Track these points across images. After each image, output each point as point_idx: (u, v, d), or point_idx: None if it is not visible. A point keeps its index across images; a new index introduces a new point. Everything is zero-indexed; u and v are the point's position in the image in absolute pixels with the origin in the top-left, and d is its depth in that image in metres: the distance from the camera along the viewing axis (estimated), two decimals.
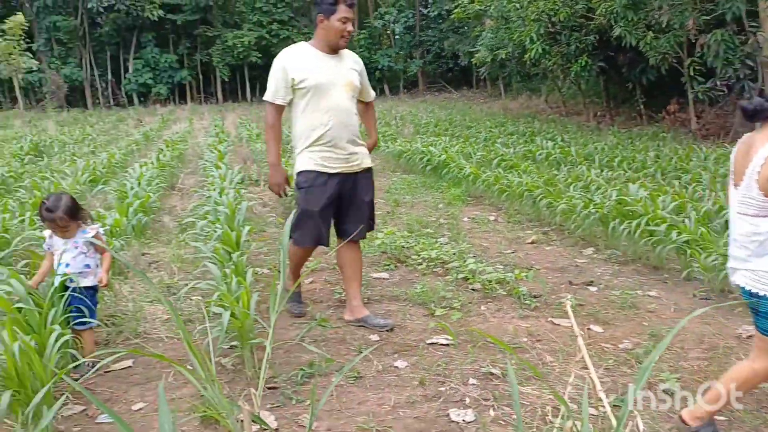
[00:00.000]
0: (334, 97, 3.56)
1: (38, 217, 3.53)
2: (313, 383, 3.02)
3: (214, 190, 6.65)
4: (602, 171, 8.16)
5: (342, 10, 3.48)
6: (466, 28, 27.18)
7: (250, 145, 13.64)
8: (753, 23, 10.73)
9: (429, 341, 3.50)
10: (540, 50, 14.40)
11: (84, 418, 2.82)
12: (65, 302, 3.09)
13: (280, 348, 3.45)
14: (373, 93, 4.00)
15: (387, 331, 3.63)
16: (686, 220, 4.72)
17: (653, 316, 3.83)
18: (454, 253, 5.11)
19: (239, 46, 35.20)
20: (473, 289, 4.36)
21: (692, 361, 3.18)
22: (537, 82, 23.12)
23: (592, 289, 4.39)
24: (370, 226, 3.86)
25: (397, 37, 36.30)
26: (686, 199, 5.56)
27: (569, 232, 5.92)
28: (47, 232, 3.29)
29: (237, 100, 37.89)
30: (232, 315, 3.08)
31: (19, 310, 2.97)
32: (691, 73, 12.08)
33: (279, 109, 3.60)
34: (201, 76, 38.54)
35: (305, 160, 3.59)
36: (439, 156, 9.65)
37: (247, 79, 38.39)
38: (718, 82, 11.62)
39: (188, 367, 2.07)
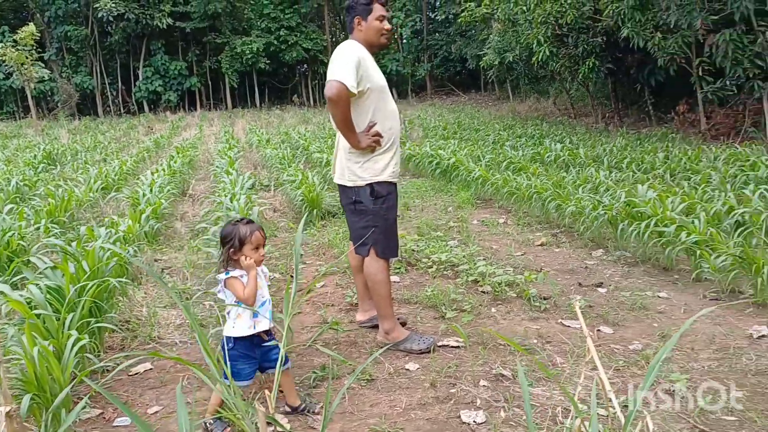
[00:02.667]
0: (392, 102, 3.53)
1: (226, 244, 2.70)
2: (327, 386, 3.06)
3: (225, 195, 6.71)
4: (611, 173, 8.17)
5: (378, 9, 3.45)
6: (473, 31, 27.21)
7: (260, 151, 13.73)
8: (762, 22, 10.69)
9: (440, 343, 3.52)
10: (547, 53, 14.43)
11: (101, 421, 2.87)
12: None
13: (292, 351, 3.49)
14: None
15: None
16: (696, 221, 4.73)
17: (663, 317, 3.84)
18: (464, 256, 5.14)
19: (248, 52, 35.42)
20: (483, 292, 4.39)
21: (703, 362, 3.19)
22: (545, 84, 23.12)
23: (602, 290, 4.40)
24: None
25: (404, 41, 36.41)
26: (696, 199, 5.56)
27: (578, 234, 5.93)
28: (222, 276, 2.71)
29: (246, 106, 38.13)
30: None
31: (38, 315, 3.03)
32: (700, 74, 12.05)
33: (348, 94, 3.21)
34: (210, 83, 38.81)
35: (381, 168, 3.43)
36: (448, 159, 9.68)
37: (255, 85, 38.61)
38: (728, 82, 11.59)
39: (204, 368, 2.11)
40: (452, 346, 3.49)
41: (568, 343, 3.48)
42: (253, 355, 2.70)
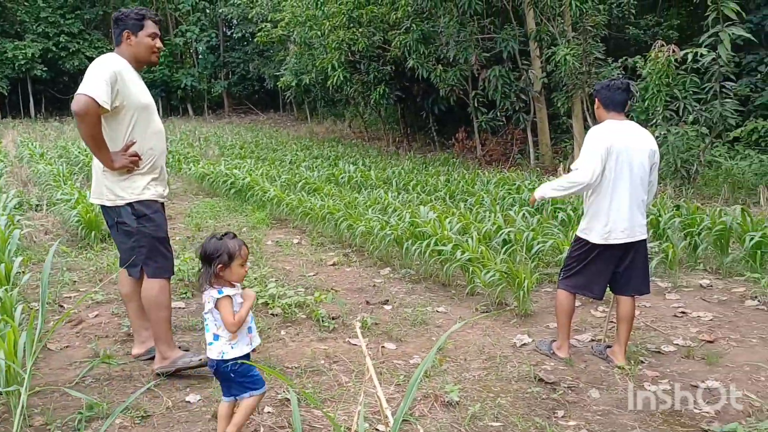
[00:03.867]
0: (157, 121, 3.37)
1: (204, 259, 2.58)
2: (95, 428, 2.77)
3: None
4: (399, 194, 8.62)
5: (150, 26, 3.33)
6: (271, 51, 27.24)
7: (32, 166, 12.28)
8: (525, 61, 12.13)
9: None
10: (342, 77, 14.89)
11: None
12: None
13: (56, 391, 3.11)
14: None
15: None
16: (469, 240, 5.15)
17: (441, 331, 4.09)
18: (255, 278, 5.04)
19: (21, 57, 31.68)
20: (273, 314, 4.33)
21: (474, 372, 3.45)
22: (341, 107, 23.86)
23: (387, 307, 4.58)
24: None
25: (200, 56, 35.25)
26: (470, 220, 6.07)
27: (368, 253, 6.14)
28: (214, 291, 2.54)
29: (19, 116, 33.99)
30: None
31: None
32: (476, 105, 13.30)
33: (98, 110, 3.02)
34: None
35: (141, 188, 3.25)
36: (243, 179, 9.50)
37: (30, 93, 34.63)
38: (498, 113, 12.93)
39: None
40: None
41: (354, 362, 3.55)
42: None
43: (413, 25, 12.94)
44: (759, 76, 12.00)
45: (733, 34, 7.34)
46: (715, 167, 9.38)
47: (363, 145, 18.00)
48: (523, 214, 6.21)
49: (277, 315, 4.31)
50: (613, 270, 3.52)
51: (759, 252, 4.92)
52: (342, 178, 10.29)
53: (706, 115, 8.20)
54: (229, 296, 2.53)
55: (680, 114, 8.44)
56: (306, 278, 5.31)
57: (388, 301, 4.71)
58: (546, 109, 12.61)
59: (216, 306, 2.53)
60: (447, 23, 12.11)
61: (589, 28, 10.20)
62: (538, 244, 5.13)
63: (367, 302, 4.69)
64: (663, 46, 8.18)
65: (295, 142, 18.65)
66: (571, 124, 13.40)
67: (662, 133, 8.40)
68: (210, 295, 2.54)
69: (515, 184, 8.47)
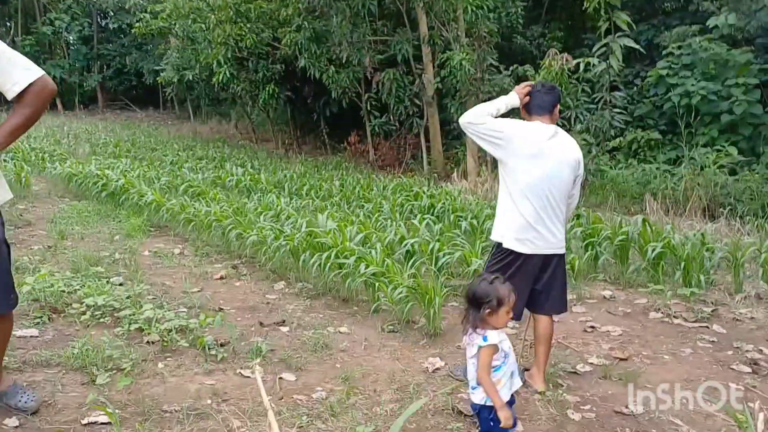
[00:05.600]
0: None
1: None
2: None
3: None
4: (291, 199, 8.11)
5: None
6: (150, 45, 25.62)
7: None
8: (419, 66, 12.01)
9: (86, 420, 2.77)
10: (228, 75, 14.10)
11: None
12: None
13: None
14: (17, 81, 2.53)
15: (30, 414, 2.78)
16: (373, 252, 4.76)
17: (346, 356, 3.67)
18: (128, 297, 4.35)
19: None
20: (149, 342, 3.70)
21: (386, 405, 3.05)
22: (227, 106, 22.80)
23: (284, 329, 4.09)
24: None
25: (72, 48, 32.60)
26: (371, 229, 5.69)
27: (260, 265, 5.61)
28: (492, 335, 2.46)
29: None
30: None
31: None
32: (368, 108, 13.02)
33: None
34: None
35: None
36: (117, 180, 8.58)
37: None
38: (392, 117, 12.73)
39: None
40: (102, 423, 2.76)
41: (248, 400, 3.04)
42: None
43: (305, 23, 12.46)
44: (635, 88, 12.64)
45: (624, 45, 7.51)
46: (600, 176, 9.66)
47: (251, 146, 17.23)
48: (427, 222, 5.93)
49: (153, 343, 3.68)
50: (532, 287, 3.25)
51: (662, 263, 4.93)
52: (229, 181, 9.61)
53: (596, 124, 8.38)
54: (494, 345, 2.43)
55: (572, 123, 8.58)
56: (189, 295, 4.67)
57: (284, 321, 4.22)
58: (438, 114, 12.56)
59: (478, 352, 2.44)
60: (339, 23, 11.72)
61: (484, 34, 10.19)
62: (444, 255, 4.83)
63: (261, 324, 4.17)
64: (557, 54, 8.26)
65: (177, 141, 17.51)
66: (462, 131, 13.46)
67: None
68: (473, 341, 2.46)
69: (413, 189, 8.22)
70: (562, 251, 3.25)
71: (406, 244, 5.15)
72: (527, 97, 3.26)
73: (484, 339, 2.42)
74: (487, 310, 2.45)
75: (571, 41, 15.48)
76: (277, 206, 7.04)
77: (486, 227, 5.93)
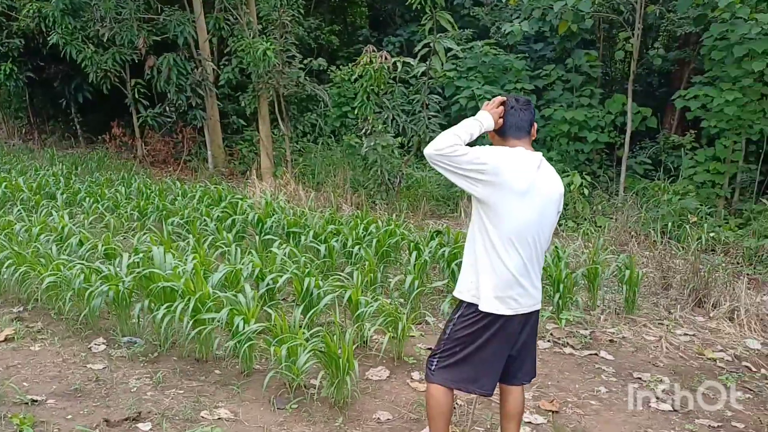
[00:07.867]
0: None
1: None
2: None
3: None
4: (71, 212, 6.41)
5: None
6: None
7: None
8: (200, 52, 10.60)
9: None
10: None
11: None
12: None
13: None
14: None
15: None
16: (241, 296, 3.72)
17: None
18: None
19: None
20: None
21: None
22: None
23: (144, 428, 2.91)
24: None
25: None
26: (220, 262, 4.57)
27: (58, 314, 4.15)
28: None
29: None
30: None
31: None
32: (136, 96, 11.18)
33: None
34: None
35: None
36: None
37: None
38: (168, 108, 11.09)
39: None
40: None
41: None
42: None
43: None
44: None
45: (446, 46, 7.29)
46: (408, 178, 9.48)
47: None
48: (277, 245, 4.96)
49: None
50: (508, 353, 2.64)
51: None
52: None
53: (413, 126, 8.11)
54: None
55: (389, 125, 8.20)
56: None
57: (140, 414, 3.01)
58: (217, 106, 11.25)
59: None
60: None
61: (287, 22, 9.29)
62: (325, 294, 3.98)
63: (107, 422, 2.92)
64: (374, 51, 7.77)
65: None
66: (242, 126, 12.33)
67: (371, 144, 8.03)
68: None
69: (224, 197, 7.03)
70: (540, 306, 2.69)
71: (267, 282, 4.17)
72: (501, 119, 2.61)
73: None
74: None
75: (345, 37, 15.28)
76: (61, 226, 5.37)
77: (339, 248, 5.18)
